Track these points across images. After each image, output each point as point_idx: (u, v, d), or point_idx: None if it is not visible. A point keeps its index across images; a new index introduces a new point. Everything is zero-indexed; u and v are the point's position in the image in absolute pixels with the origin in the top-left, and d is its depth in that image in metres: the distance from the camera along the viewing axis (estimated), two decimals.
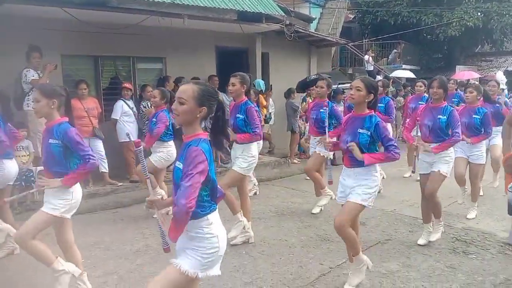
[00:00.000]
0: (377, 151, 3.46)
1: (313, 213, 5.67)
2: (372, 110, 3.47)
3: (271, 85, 9.97)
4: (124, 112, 6.97)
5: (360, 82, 3.42)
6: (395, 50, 19.78)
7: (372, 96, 3.41)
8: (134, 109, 7.10)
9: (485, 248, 4.51)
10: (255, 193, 6.71)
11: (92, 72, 7.49)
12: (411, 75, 16.80)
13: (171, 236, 2.25)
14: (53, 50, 6.36)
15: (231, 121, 4.48)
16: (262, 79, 9.41)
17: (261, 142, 6.86)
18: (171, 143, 5.56)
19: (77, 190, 3.26)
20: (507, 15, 18.96)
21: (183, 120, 2.25)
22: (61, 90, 3.26)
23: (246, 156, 4.46)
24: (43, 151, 3.22)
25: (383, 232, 4.98)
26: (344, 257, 4.17)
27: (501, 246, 4.56)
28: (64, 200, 3.17)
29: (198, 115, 2.24)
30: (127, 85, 7.16)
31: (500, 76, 14.36)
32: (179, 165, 2.24)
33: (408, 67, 18.90)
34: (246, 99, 4.47)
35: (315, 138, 5.57)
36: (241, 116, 4.40)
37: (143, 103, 7.13)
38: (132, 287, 3.67)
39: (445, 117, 4.28)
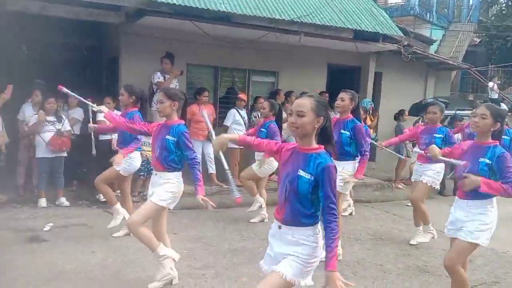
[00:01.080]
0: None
1: (411, 244, 5.34)
2: (497, 141, 3.22)
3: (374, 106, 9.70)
4: (236, 121, 7.40)
5: (486, 109, 3.20)
6: None
7: (498, 125, 3.19)
8: (246, 118, 7.51)
9: None
10: (351, 213, 6.61)
11: (212, 81, 8.12)
12: None
13: (334, 262, 2.23)
14: (181, 59, 7.07)
15: (335, 137, 4.49)
16: (372, 99, 9.25)
17: None
18: None
19: (181, 185, 3.64)
20: None
21: (302, 132, 2.31)
22: (182, 94, 3.68)
23: (344, 175, 4.43)
24: (158, 145, 3.58)
25: (491, 274, 4.55)
26: None
27: None
28: (171, 193, 3.56)
29: (316, 126, 2.31)
30: (241, 95, 7.63)
31: None
32: (305, 175, 2.28)
33: None
34: (352, 117, 4.46)
35: (421, 165, 5.30)
36: (347, 133, 4.40)
37: (254, 113, 7.53)
38: (226, 283, 3.90)
39: None
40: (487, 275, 4.49)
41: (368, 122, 8.77)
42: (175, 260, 3.70)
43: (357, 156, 4.57)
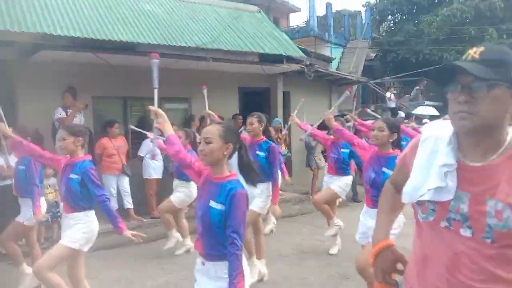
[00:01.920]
0: None
1: (331, 254, 5.60)
2: (398, 150, 3.44)
3: (289, 124, 10.12)
4: (150, 150, 7.22)
5: (382, 123, 3.46)
6: (417, 87, 19.81)
7: (395, 135, 3.44)
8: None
9: None
10: (271, 231, 6.73)
11: (121, 112, 7.86)
12: (434, 112, 16.73)
13: None
14: (85, 92, 6.76)
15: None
16: (284, 117, 9.61)
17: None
18: (193, 183, 5.69)
19: (94, 224, 3.45)
20: None
21: (211, 160, 2.29)
22: (85, 129, 3.54)
23: (264, 196, 4.56)
24: (63, 185, 3.40)
25: None
26: None
27: None
28: (83, 233, 3.36)
29: (225, 153, 2.31)
30: (157, 125, 7.43)
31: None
32: (217, 206, 2.23)
33: (432, 103, 18.84)
34: (265, 138, 4.62)
35: (331, 177, 5.65)
36: (262, 154, 4.52)
37: None
38: None
39: None
40: None
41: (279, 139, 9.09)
42: None
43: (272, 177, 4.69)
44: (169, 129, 2.69)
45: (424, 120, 11.08)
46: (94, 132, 6.52)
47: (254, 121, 4.57)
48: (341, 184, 5.59)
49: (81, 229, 3.35)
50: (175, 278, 4.73)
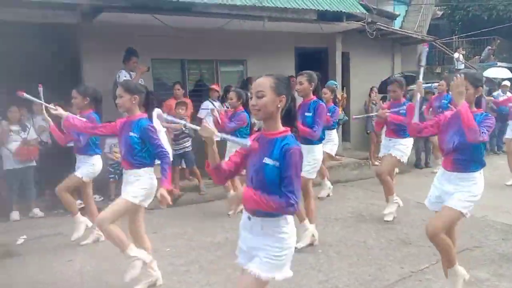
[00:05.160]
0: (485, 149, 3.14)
1: (386, 221, 5.34)
2: (481, 109, 3.14)
3: (343, 86, 9.74)
4: (209, 113, 7.26)
5: (464, 80, 3.02)
6: (489, 47, 18.27)
7: (480, 90, 3.10)
8: (220, 110, 7.35)
9: None
10: (328, 195, 6.63)
11: (179, 75, 7.94)
12: (507, 74, 15.40)
13: None
14: (145, 54, 6.87)
15: (300, 120, 4.34)
16: (342, 79, 9.27)
17: (336, 142, 6.77)
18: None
19: (154, 180, 3.51)
20: None
21: (265, 114, 2.17)
22: (142, 87, 3.54)
23: (310, 159, 4.38)
24: (122, 143, 3.46)
25: (472, 238, 4.63)
26: (428, 262, 3.98)
27: None
28: (143, 189, 3.43)
29: (278, 105, 2.18)
30: (214, 86, 7.50)
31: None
32: (271, 162, 2.14)
33: (505, 65, 17.34)
34: (315, 97, 4.40)
35: (390, 140, 5.32)
36: (310, 114, 4.31)
37: (227, 104, 7.39)
38: (212, 277, 3.84)
39: None
40: (467, 240, 4.54)
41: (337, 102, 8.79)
42: (146, 263, 3.53)
43: (323, 139, 4.51)
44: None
45: (503, 82, 10.20)
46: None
47: (304, 80, 4.32)
48: (401, 148, 5.26)
49: (141, 185, 3.43)
50: (234, 237, 4.77)
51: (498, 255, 4.20)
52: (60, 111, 4.14)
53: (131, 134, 3.38)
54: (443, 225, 3.13)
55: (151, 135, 3.37)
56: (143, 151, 3.42)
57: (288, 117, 2.26)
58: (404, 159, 5.37)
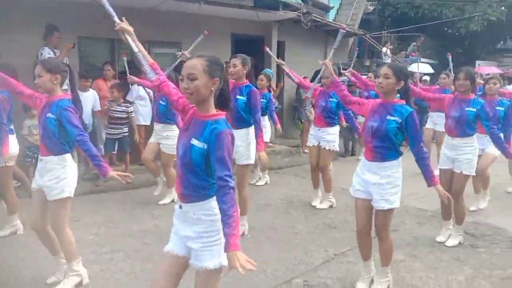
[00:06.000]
0: (403, 141, 3.20)
1: (313, 206, 5.55)
2: (403, 100, 3.18)
3: (283, 75, 9.89)
4: (139, 96, 7.03)
5: (388, 69, 3.12)
6: (414, 43, 19.41)
7: (402, 83, 3.13)
8: (151, 93, 7.13)
9: (494, 242, 4.45)
10: (266, 183, 6.74)
11: (108, 54, 7.56)
12: (429, 69, 16.50)
13: (235, 241, 1.94)
14: (71, 31, 6.43)
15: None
16: (276, 68, 9.37)
17: (268, 129, 6.86)
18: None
19: (72, 168, 3.24)
20: None
21: (197, 97, 2.11)
22: (64, 66, 3.25)
23: (244, 143, 4.33)
24: (41, 125, 3.16)
25: None
26: (349, 244, 4.17)
27: (511, 241, 4.50)
28: (65, 179, 3.17)
29: (212, 88, 2.12)
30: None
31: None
32: (199, 144, 2.08)
33: (427, 61, 18.56)
34: (248, 82, 4.35)
35: (319, 129, 5.45)
36: (242, 98, 4.25)
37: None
38: (137, 264, 3.74)
39: (474, 109, 4.09)
40: None
41: (273, 91, 8.90)
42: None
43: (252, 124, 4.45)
44: (144, 51, 2.53)
45: (423, 77, 10.87)
46: (79, 74, 6.28)
47: (238, 63, 4.25)
48: (329, 138, 5.42)
49: (61, 174, 3.12)
50: (164, 224, 4.69)
51: (413, 238, 4.53)
52: None
53: (50, 115, 3.06)
54: (386, 223, 3.29)
55: (70, 117, 3.03)
56: (61, 135, 3.10)
57: (222, 100, 2.21)
58: (335, 148, 5.54)
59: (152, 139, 5.54)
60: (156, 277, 2.37)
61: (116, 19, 2.57)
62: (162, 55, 8.31)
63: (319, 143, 5.45)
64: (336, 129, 5.50)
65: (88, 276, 3.34)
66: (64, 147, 3.15)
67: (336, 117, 5.55)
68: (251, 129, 4.36)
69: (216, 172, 2.05)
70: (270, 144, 7.99)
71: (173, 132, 5.33)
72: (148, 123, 6.97)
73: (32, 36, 6.02)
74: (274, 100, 7.78)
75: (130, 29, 2.54)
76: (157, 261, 3.70)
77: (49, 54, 5.82)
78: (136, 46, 2.53)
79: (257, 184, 6.65)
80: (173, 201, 5.54)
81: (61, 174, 3.13)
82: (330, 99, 5.30)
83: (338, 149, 5.73)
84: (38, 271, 3.50)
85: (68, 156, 3.20)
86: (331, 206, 5.54)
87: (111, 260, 3.80)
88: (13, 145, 4.21)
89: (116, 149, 6.48)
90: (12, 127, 4.33)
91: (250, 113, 4.29)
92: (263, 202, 5.67)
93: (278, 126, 6.84)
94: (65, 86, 3.98)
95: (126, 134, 6.43)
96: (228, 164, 2.05)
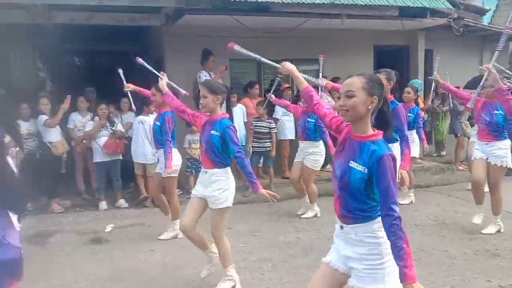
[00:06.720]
0: None
1: (475, 223, 4.97)
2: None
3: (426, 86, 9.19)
4: (285, 112, 7.31)
5: None
6: None
7: None
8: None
9: None
10: (411, 202, 6.32)
11: (255, 74, 8.06)
12: None
13: (410, 272, 1.95)
14: (223, 55, 7.05)
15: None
16: (424, 78, 8.79)
17: (417, 143, 6.41)
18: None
19: (232, 179, 3.53)
20: None
21: (353, 116, 2.06)
22: (224, 87, 3.60)
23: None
24: (205, 140, 3.48)
25: None
26: None
27: None
28: (227, 190, 3.47)
29: (369, 107, 2.05)
30: (287, 85, 7.55)
31: None
32: (358, 167, 2.03)
33: None
34: (392, 97, 4.15)
35: (486, 144, 4.84)
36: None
37: (300, 103, 7.38)
38: (284, 275, 3.85)
39: None
40: None
41: (421, 104, 8.33)
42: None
43: (398, 140, 4.24)
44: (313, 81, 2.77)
45: None
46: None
47: (382, 78, 4.03)
48: (499, 153, 4.77)
49: (223, 186, 3.44)
50: (306, 238, 4.78)
51: None
52: (164, 82, 4.10)
53: (213, 132, 3.39)
54: None
55: (232, 135, 3.36)
56: (224, 150, 3.42)
57: (381, 120, 2.15)
58: (508, 164, 4.83)
59: (297, 159, 5.68)
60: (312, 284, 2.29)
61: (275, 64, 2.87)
62: (304, 71, 8.48)
63: (487, 158, 4.85)
64: (507, 142, 4.85)
65: (239, 282, 3.55)
66: (227, 161, 3.48)
67: (505, 131, 4.90)
68: (397, 146, 4.17)
69: (381, 202, 1.99)
70: (418, 160, 7.48)
71: (318, 148, 5.49)
72: (293, 137, 7.22)
73: (190, 63, 6.83)
74: (422, 113, 7.30)
75: (293, 68, 2.75)
76: (302, 273, 3.78)
77: (206, 76, 6.53)
78: (302, 81, 2.68)
79: (401, 203, 6.23)
80: (315, 215, 5.61)
81: (225, 185, 3.44)
82: (496, 111, 4.71)
83: (510, 165, 5.00)
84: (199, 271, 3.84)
85: (229, 169, 3.52)
86: (498, 231, 4.91)
87: (260, 269, 3.99)
88: (176, 158, 4.76)
89: (261, 162, 6.84)
90: (175, 142, 4.92)
91: (395, 130, 4.08)
92: (411, 222, 5.31)
93: (425, 144, 6.37)
94: None
95: (269, 149, 6.74)
96: (393, 193, 1.97)
